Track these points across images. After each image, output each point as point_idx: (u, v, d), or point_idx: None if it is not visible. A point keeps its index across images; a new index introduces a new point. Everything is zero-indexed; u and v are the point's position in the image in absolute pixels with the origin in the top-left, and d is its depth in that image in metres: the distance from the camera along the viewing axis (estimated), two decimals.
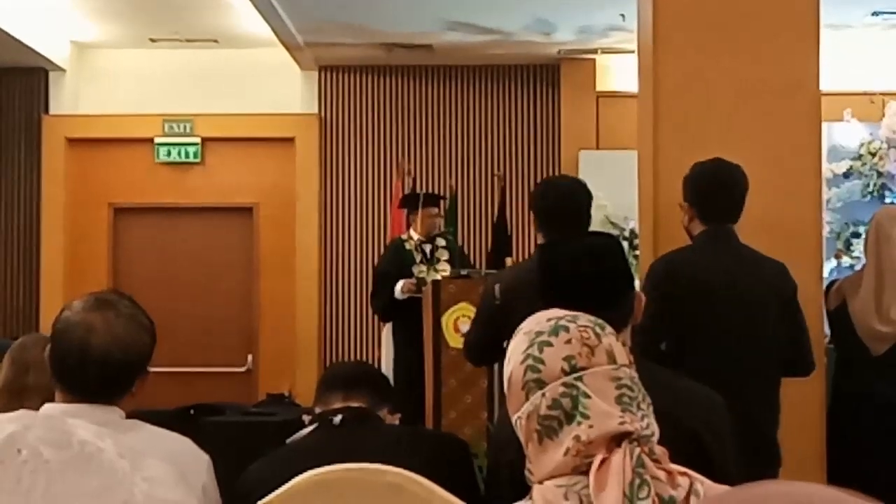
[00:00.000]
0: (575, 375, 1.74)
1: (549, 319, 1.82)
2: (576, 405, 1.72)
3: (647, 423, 1.73)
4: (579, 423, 1.71)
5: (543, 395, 1.74)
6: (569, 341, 1.77)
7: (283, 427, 5.62)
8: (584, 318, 1.82)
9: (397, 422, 3.02)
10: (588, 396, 1.72)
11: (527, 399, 1.76)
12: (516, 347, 1.81)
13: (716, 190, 4.20)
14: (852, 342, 4.81)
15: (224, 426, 6.58)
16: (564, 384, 1.74)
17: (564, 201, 4.47)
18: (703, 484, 1.71)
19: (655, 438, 1.74)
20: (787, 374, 4.18)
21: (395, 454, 2.59)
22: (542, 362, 1.76)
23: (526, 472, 1.79)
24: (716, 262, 4.05)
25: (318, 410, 2.92)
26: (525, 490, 1.77)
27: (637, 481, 1.64)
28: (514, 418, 1.79)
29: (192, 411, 6.70)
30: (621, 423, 1.70)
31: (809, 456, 4.72)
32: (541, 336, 1.78)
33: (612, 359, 1.77)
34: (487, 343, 4.47)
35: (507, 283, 4.64)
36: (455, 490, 2.51)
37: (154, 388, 2.82)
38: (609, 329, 1.83)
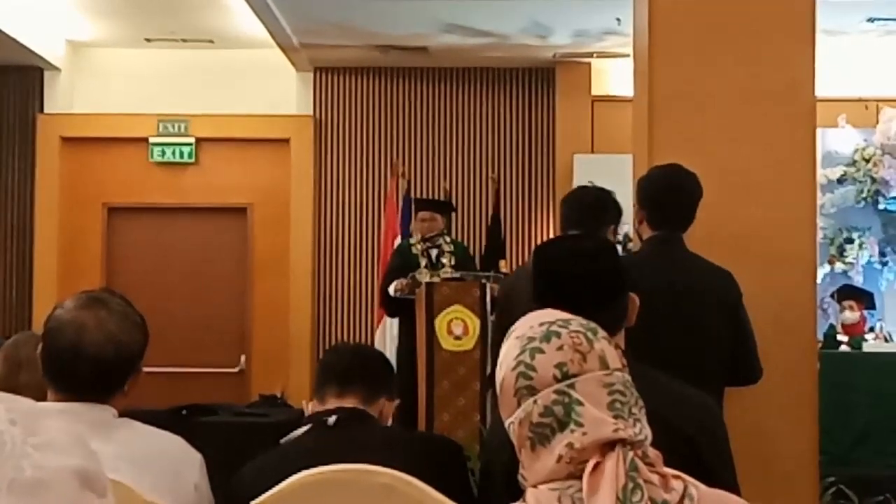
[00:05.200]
0: (567, 382, 1.73)
1: (541, 324, 1.80)
2: (568, 413, 1.71)
3: (639, 427, 1.72)
4: (572, 431, 1.70)
5: (535, 402, 1.73)
6: (560, 347, 1.75)
7: (275, 428, 5.62)
8: (576, 323, 1.81)
9: (394, 408, 3.01)
10: (581, 403, 1.71)
11: (518, 405, 1.75)
12: (508, 353, 1.80)
13: (663, 196, 4.15)
14: None
15: (216, 427, 6.58)
16: (556, 391, 1.72)
17: (583, 209, 4.47)
18: (698, 488, 1.70)
19: (648, 442, 1.73)
20: (730, 382, 4.08)
21: (389, 455, 2.59)
22: (534, 369, 1.74)
23: (519, 478, 1.78)
24: (659, 268, 3.97)
25: (314, 401, 2.92)
26: (519, 492, 1.76)
27: (630, 485, 1.64)
28: (506, 423, 1.78)
29: (184, 411, 6.69)
30: (615, 430, 1.69)
31: (804, 459, 4.72)
32: (532, 342, 1.77)
33: (604, 364, 1.76)
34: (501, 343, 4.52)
35: (505, 286, 4.71)
36: (448, 492, 2.51)
37: (147, 389, 2.81)
38: (602, 333, 1.82)
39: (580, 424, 1.70)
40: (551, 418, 1.71)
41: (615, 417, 1.71)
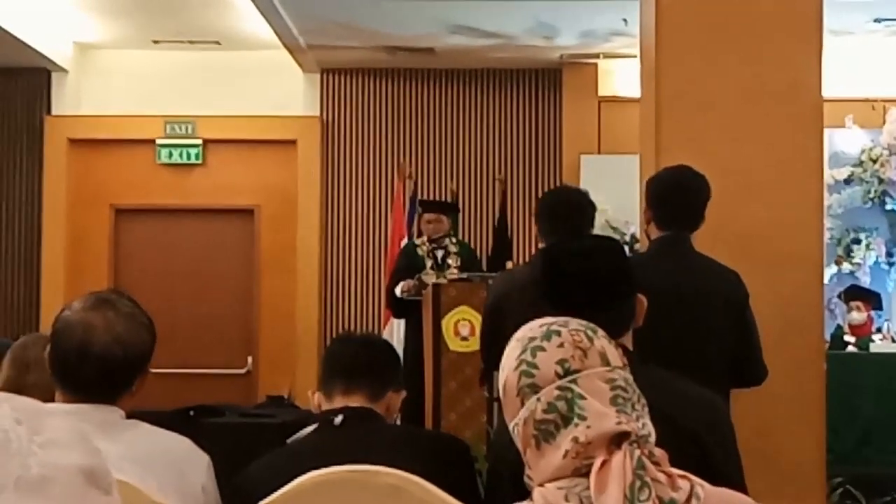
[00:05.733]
0: (569, 378, 1.74)
1: (540, 325, 1.82)
2: (571, 407, 1.72)
3: (642, 423, 1.74)
4: (576, 425, 1.71)
5: (538, 399, 1.74)
6: (561, 345, 1.77)
7: (282, 429, 5.63)
8: (576, 322, 1.83)
9: (401, 400, 3.00)
10: (583, 398, 1.73)
11: (522, 405, 1.76)
12: (510, 354, 1.82)
13: (671, 197, 4.15)
14: None
15: (223, 427, 6.58)
16: (559, 387, 1.74)
17: (566, 211, 4.48)
18: (704, 488, 1.71)
19: (653, 439, 1.74)
20: (735, 383, 4.06)
21: (396, 455, 2.59)
22: (536, 367, 1.76)
23: (526, 479, 1.79)
24: (666, 269, 3.96)
25: (320, 394, 2.93)
26: (526, 492, 1.77)
27: (638, 483, 1.64)
28: (510, 425, 1.79)
29: (191, 412, 6.70)
30: (618, 424, 1.70)
31: (811, 460, 4.72)
32: (533, 342, 1.79)
33: (605, 361, 1.77)
34: (492, 344, 4.51)
35: (498, 288, 4.72)
36: (455, 492, 2.51)
37: (154, 390, 2.82)
38: (601, 332, 1.84)
39: (584, 418, 1.71)
40: (555, 414, 1.73)
41: (618, 412, 1.72)
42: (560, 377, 1.75)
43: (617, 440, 1.69)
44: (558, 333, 1.79)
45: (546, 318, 1.85)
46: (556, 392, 1.74)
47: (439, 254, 7.93)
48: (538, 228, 4.65)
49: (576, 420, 1.71)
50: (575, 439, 1.70)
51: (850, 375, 7.09)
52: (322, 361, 3.01)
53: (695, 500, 1.67)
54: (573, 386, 1.73)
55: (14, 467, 0.94)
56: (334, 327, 10.26)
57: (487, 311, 4.81)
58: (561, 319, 1.83)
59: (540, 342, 1.78)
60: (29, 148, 10.21)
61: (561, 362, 1.75)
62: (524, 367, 1.77)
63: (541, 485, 1.73)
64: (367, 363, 2.94)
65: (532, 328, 1.83)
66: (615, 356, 1.80)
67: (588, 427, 1.70)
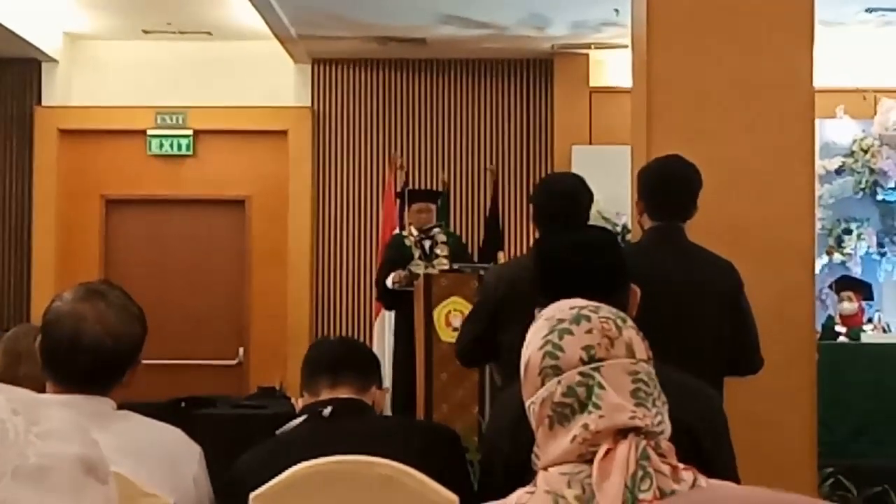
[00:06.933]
0: (592, 366, 1.73)
1: (571, 308, 1.81)
2: (590, 395, 1.72)
3: (659, 420, 1.73)
4: (590, 413, 1.71)
5: (559, 382, 1.74)
6: (589, 331, 1.76)
7: (274, 420, 5.61)
8: (606, 310, 1.82)
9: (387, 397, 3.03)
10: (603, 388, 1.72)
11: (542, 385, 1.76)
12: (536, 332, 1.80)
13: (662, 187, 4.15)
14: None
15: (215, 419, 6.59)
16: (581, 373, 1.73)
17: (562, 198, 4.46)
18: (707, 482, 1.70)
19: (666, 436, 1.73)
20: (731, 372, 4.09)
21: (387, 445, 2.59)
22: (561, 349, 1.75)
23: (532, 457, 1.79)
24: (658, 259, 3.97)
25: (305, 395, 2.92)
26: (518, 482, 1.77)
27: (640, 473, 1.64)
28: (527, 403, 1.79)
29: (183, 404, 6.70)
30: (632, 418, 1.69)
31: (802, 450, 4.73)
32: (562, 323, 1.77)
33: (630, 352, 1.76)
34: (481, 339, 4.40)
35: (504, 277, 4.65)
36: (446, 481, 2.52)
37: (145, 381, 2.81)
38: (630, 322, 1.82)
39: (598, 407, 1.70)
40: (573, 399, 1.72)
41: (636, 405, 1.71)
42: (584, 363, 1.74)
43: (625, 431, 1.69)
44: (588, 319, 1.77)
45: (577, 301, 1.84)
46: (578, 378, 1.73)
47: (427, 244, 7.93)
48: (533, 216, 4.62)
49: (590, 408, 1.71)
50: (585, 426, 1.69)
51: (842, 366, 7.10)
52: (303, 366, 2.99)
53: (697, 492, 1.67)
54: (595, 374, 1.73)
55: (12, 457, 0.94)
56: (326, 318, 10.26)
57: (488, 300, 4.60)
58: (592, 304, 1.82)
59: (568, 325, 1.77)
60: (19, 139, 10.18)
61: (587, 348, 1.74)
62: (549, 347, 1.76)
63: (545, 468, 1.73)
64: (350, 358, 2.96)
65: (561, 309, 1.81)
66: (641, 348, 1.79)
67: (601, 417, 1.69)
